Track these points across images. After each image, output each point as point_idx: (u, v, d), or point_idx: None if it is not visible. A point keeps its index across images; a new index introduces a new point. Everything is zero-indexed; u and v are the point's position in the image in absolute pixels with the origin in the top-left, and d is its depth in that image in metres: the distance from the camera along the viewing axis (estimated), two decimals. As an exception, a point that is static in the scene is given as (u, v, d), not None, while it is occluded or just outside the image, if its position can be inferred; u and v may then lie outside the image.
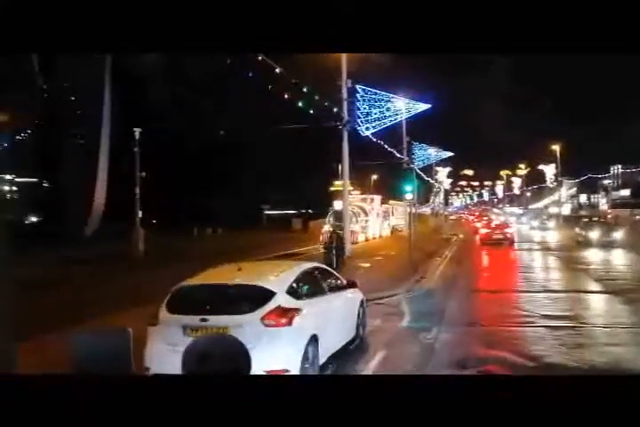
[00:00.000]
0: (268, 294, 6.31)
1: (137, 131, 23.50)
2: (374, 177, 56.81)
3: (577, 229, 31.52)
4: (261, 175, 43.89)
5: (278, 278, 6.83)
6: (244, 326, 5.78)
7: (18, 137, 39.44)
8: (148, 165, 25.97)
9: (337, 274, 8.88)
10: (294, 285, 6.84)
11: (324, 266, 8.70)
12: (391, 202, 43.16)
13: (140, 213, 24.87)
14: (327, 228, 26.40)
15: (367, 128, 30.88)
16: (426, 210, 69.49)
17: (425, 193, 69.54)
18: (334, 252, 18.30)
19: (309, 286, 7.39)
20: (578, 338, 9.03)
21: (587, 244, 27.76)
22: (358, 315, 8.91)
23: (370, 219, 36.99)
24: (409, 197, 21.69)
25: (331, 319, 7.44)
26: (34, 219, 40.64)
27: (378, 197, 39.93)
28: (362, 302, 9.22)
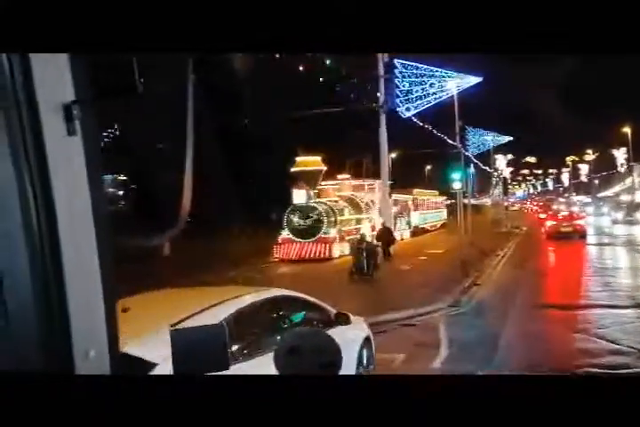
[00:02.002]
0: None
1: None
2: (428, 167, 53.07)
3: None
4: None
5: (159, 339, 3.12)
6: None
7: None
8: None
9: (323, 305, 5.78)
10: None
11: (301, 296, 5.59)
12: (417, 191, 33.72)
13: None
14: (286, 234, 21.32)
15: (408, 109, 27.17)
16: (486, 201, 65.35)
17: (484, 183, 65.48)
18: (365, 254, 15.33)
19: (250, 336, 4.39)
20: None
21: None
22: (359, 362, 5.86)
23: (370, 216, 24.97)
24: (457, 185, 18.35)
25: None
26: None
27: (380, 183, 24.93)
28: (363, 342, 6.12)
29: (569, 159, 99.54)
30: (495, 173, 65.13)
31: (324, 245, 21.46)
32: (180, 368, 1.36)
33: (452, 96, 28.01)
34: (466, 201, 24.77)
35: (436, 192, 39.14)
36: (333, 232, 22.04)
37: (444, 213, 40.50)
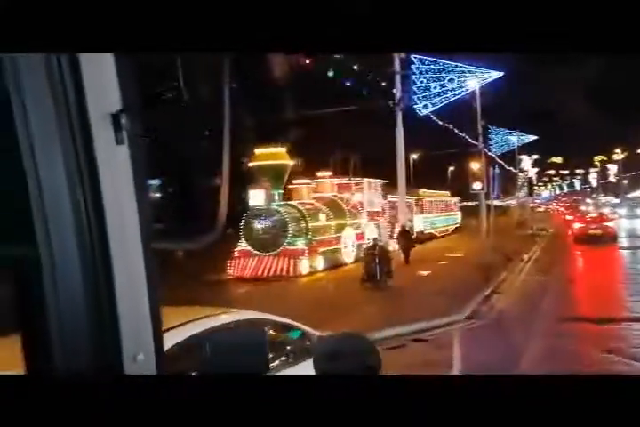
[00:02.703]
0: None
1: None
2: (451, 168, 51.74)
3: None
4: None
5: None
6: None
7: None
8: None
9: (303, 328, 4.81)
10: None
11: (273, 318, 4.60)
12: (423, 192, 29.26)
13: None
14: (244, 245, 17.25)
15: (425, 106, 25.94)
16: (511, 202, 63.80)
17: (509, 184, 64.05)
18: (376, 260, 14.36)
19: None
20: None
21: None
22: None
23: (356, 222, 20.48)
24: (477, 186, 17.29)
25: None
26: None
27: (368, 182, 21.61)
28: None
29: (597, 159, 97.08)
30: (520, 174, 63.62)
31: (287, 259, 16.71)
32: (219, 371, 1.35)
33: (474, 93, 26.89)
34: (488, 202, 23.50)
35: (448, 193, 36.10)
36: (302, 243, 17.19)
37: (457, 217, 36.55)
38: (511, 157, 55.67)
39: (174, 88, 1.14)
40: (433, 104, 26.81)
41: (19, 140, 0.98)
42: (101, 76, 1.06)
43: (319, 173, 21.63)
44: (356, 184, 21.38)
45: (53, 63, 1.01)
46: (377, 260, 14.48)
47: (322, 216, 18.75)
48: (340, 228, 19.46)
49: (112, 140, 1.06)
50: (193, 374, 2.19)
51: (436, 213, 31.34)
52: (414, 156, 47.67)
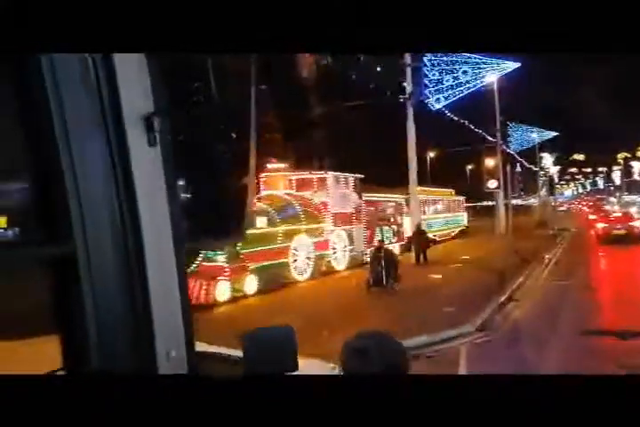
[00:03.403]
0: None
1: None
2: (469, 167, 50.37)
3: None
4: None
5: None
6: None
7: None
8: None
9: None
10: None
11: None
12: (419, 190, 21.78)
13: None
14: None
15: (438, 100, 24.70)
16: (533, 201, 62.32)
17: (530, 182, 62.67)
18: (382, 264, 13.45)
19: None
20: None
21: None
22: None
23: (318, 227, 16.29)
24: (492, 184, 16.19)
25: None
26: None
27: (344, 178, 17.94)
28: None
29: (620, 156, 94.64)
30: (542, 172, 62.08)
31: (201, 280, 11.74)
32: (251, 370, 1.36)
33: (491, 87, 25.67)
34: (506, 202, 22.24)
35: (451, 191, 30.94)
36: (223, 257, 12.43)
37: (461, 218, 31.74)
38: (532, 154, 54.22)
39: (204, 90, 1.17)
40: (446, 98, 25.45)
41: (57, 141, 1.01)
42: (135, 79, 1.10)
43: (270, 165, 17.08)
44: (320, 179, 17.00)
45: (89, 65, 1.05)
46: (383, 263, 13.58)
47: (261, 221, 13.90)
48: (290, 235, 15.00)
49: (145, 141, 1.11)
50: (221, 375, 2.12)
51: (433, 215, 26.60)
52: (431, 154, 46.54)
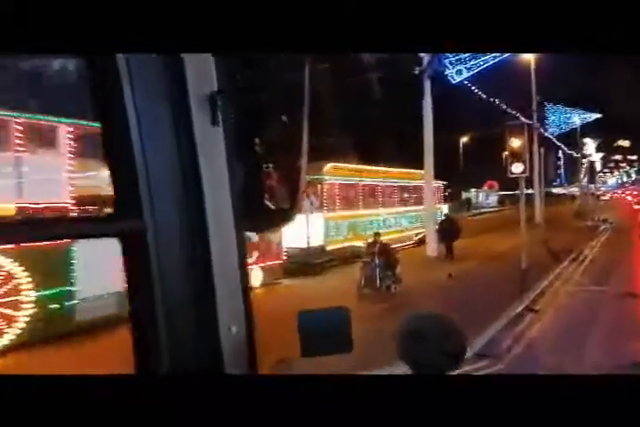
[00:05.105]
0: None
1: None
2: (506, 153, 47.38)
3: None
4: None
5: None
6: None
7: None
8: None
9: None
10: None
11: None
12: (347, 169, 17.22)
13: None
14: None
15: (459, 72, 21.77)
16: (574, 190, 59.10)
17: (571, 170, 59.59)
18: (377, 261, 11.23)
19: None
20: None
21: None
22: None
23: None
24: (518, 168, 13.68)
25: None
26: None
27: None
28: None
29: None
30: (583, 160, 58.61)
31: None
32: (307, 350, 1.36)
33: (526, 60, 22.89)
34: (527, 190, 19.41)
35: (419, 172, 19.42)
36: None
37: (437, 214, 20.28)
38: (572, 139, 50.64)
39: (268, 75, 1.22)
40: (468, 69, 22.41)
41: (129, 123, 1.04)
42: (201, 58, 1.12)
43: None
44: None
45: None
46: (377, 260, 11.37)
47: None
48: None
49: (209, 121, 1.13)
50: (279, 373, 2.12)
51: (386, 208, 18.99)
52: (464, 138, 43.70)
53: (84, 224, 1.15)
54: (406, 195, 21.33)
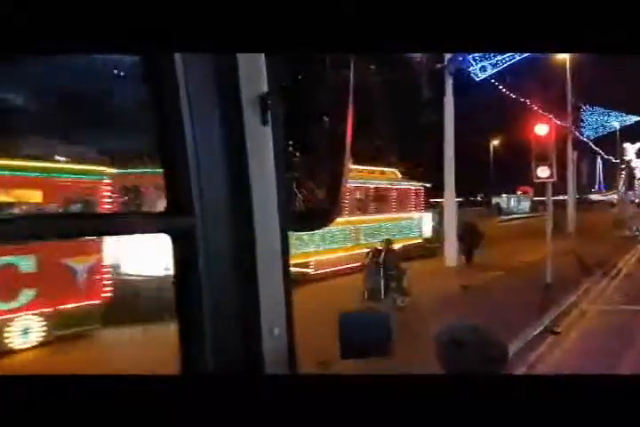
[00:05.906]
0: None
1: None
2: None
3: None
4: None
5: None
6: None
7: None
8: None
9: None
10: None
11: None
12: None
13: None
14: None
15: (483, 68, 20.53)
16: (613, 197, 56.88)
17: (609, 176, 57.59)
18: (382, 271, 10.28)
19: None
20: None
21: None
22: None
23: None
24: (544, 173, 12.49)
25: None
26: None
27: None
28: None
29: None
30: (622, 165, 56.44)
31: None
32: (347, 353, 1.37)
33: (560, 58, 21.54)
34: (572, 196, 18.11)
35: (394, 171, 18.20)
36: None
37: (412, 224, 18.30)
38: (611, 144, 48.56)
39: (319, 74, 1.25)
40: (494, 66, 21.18)
41: (182, 121, 1.07)
42: (253, 59, 1.14)
43: None
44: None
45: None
46: (383, 269, 10.39)
47: None
48: None
49: (259, 121, 1.14)
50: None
51: (351, 216, 15.10)
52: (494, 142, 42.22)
53: (138, 220, 1.17)
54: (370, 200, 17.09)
